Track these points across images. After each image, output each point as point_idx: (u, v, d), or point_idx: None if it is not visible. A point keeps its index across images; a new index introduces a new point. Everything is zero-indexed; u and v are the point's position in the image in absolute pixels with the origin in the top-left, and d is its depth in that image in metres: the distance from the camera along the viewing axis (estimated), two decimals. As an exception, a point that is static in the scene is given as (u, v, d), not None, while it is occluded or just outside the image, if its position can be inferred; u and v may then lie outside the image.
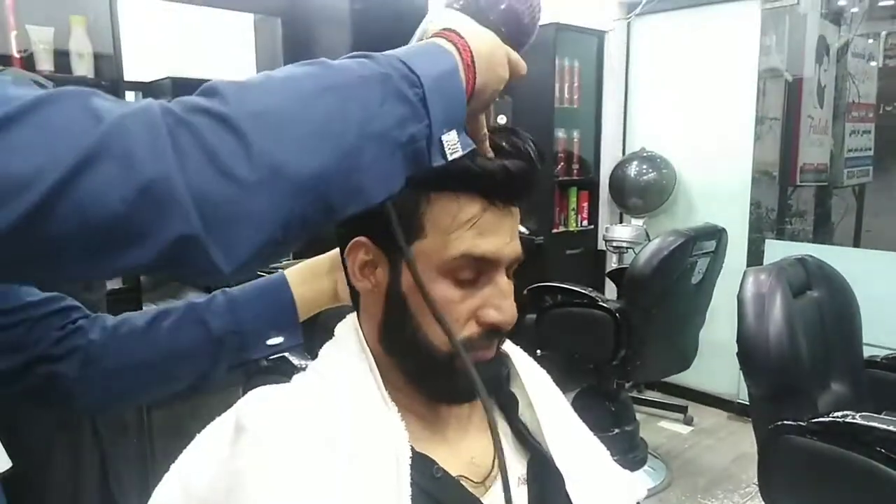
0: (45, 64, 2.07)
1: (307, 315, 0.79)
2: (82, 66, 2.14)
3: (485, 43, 0.53)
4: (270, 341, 0.77)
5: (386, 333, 0.65)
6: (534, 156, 0.60)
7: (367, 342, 0.66)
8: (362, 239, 0.63)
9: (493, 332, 0.63)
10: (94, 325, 0.72)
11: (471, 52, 0.51)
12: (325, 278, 0.78)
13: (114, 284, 2.21)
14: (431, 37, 0.53)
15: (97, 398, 0.72)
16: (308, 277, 0.78)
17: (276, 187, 0.40)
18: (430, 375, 0.64)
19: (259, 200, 0.40)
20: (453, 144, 0.49)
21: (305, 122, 0.42)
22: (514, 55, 0.56)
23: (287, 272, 0.78)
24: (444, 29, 0.53)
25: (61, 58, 2.11)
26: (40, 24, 2.06)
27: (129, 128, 0.37)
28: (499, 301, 0.61)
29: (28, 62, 2.05)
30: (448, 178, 0.58)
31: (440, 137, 0.48)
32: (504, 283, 0.62)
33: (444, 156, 0.49)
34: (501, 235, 0.61)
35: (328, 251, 0.77)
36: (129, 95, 2.62)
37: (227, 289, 0.77)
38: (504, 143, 0.60)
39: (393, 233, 0.57)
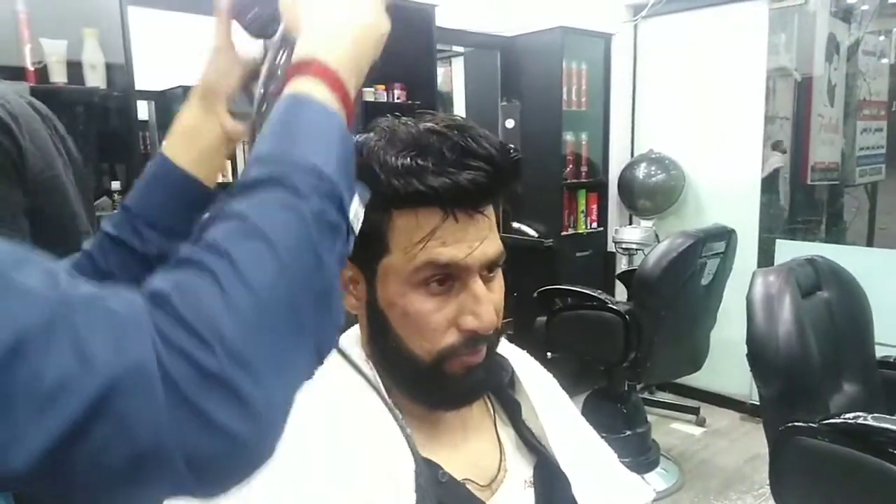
0: (59, 75, 2.11)
1: (214, 176, 0.66)
2: (95, 77, 2.17)
3: (346, 45, 0.50)
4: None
5: (373, 346, 0.66)
6: (496, 159, 0.58)
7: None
8: None
9: (475, 339, 0.62)
10: None
11: (341, 82, 0.48)
12: (206, 124, 0.64)
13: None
14: (292, 77, 0.48)
15: None
16: (192, 136, 0.64)
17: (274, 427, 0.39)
18: (418, 385, 0.64)
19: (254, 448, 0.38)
20: (357, 213, 0.47)
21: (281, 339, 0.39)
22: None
23: (166, 147, 0.65)
24: (301, 61, 0.48)
25: (74, 69, 2.14)
26: (53, 37, 2.10)
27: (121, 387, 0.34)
28: (474, 307, 0.60)
29: (42, 74, 2.09)
30: (404, 196, 0.58)
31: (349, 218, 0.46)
32: (479, 288, 0.61)
33: (352, 231, 0.46)
34: (467, 242, 0.59)
35: None
36: (142, 105, 2.65)
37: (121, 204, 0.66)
38: (462, 149, 0.57)
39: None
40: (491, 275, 0.64)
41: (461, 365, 0.62)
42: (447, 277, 0.60)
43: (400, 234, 0.59)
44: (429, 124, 0.60)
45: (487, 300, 0.61)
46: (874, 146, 3.75)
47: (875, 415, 1.52)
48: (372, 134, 0.62)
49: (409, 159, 0.58)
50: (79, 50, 2.15)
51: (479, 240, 0.60)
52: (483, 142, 0.58)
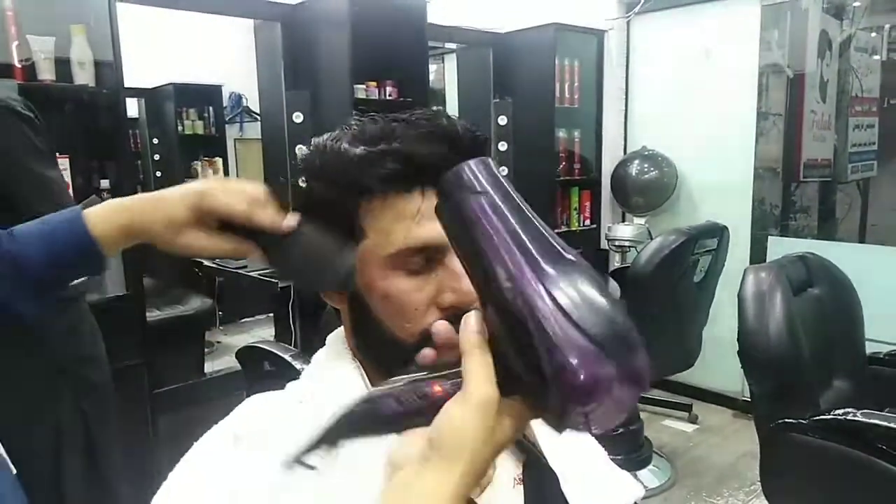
0: (47, 73, 2.09)
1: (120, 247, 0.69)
2: (83, 75, 2.15)
3: None
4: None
5: (356, 336, 0.66)
6: (462, 135, 0.59)
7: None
8: None
9: (456, 316, 0.61)
10: None
11: None
12: (184, 232, 0.65)
13: (117, 290, 2.22)
14: None
15: None
16: (151, 228, 0.66)
17: None
18: (402, 371, 0.64)
19: None
20: None
21: None
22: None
23: (93, 214, 0.67)
24: None
25: (62, 66, 2.12)
26: (41, 34, 2.08)
27: None
28: (453, 283, 0.60)
29: (29, 71, 2.07)
30: (379, 179, 0.59)
31: None
32: (457, 265, 0.60)
33: None
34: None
35: None
36: (131, 102, 2.64)
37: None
38: (428, 131, 0.58)
39: None
40: None
41: None
42: (425, 256, 0.61)
43: (374, 216, 0.60)
44: (400, 115, 0.61)
45: (465, 276, 0.61)
46: (866, 143, 3.76)
47: (864, 411, 1.53)
48: (336, 132, 0.63)
49: (376, 147, 0.59)
50: (67, 47, 2.13)
51: None
52: (447, 124, 0.59)
